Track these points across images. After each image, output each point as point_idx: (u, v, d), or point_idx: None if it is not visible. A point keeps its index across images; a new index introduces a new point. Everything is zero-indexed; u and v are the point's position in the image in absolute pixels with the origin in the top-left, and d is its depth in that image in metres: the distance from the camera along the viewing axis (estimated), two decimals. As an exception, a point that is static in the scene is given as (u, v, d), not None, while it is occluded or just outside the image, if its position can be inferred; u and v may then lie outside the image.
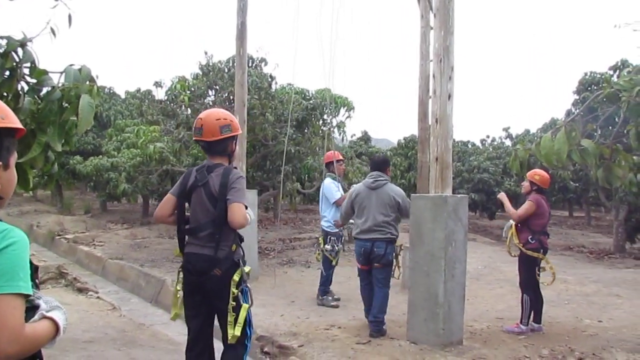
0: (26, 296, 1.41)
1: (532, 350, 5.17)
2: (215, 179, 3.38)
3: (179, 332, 6.19)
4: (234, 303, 3.30)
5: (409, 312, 5.39)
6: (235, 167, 3.60)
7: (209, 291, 3.37)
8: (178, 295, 3.57)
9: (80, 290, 7.63)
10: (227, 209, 3.26)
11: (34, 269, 1.53)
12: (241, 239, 3.49)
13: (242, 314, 3.29)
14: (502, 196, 6.40)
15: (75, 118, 3.53)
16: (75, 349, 4.97)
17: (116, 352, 5.03)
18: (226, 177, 3.34)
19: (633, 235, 13.56)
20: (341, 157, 7.69)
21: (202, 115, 3.54)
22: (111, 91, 23.67)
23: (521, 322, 5.92)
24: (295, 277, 9.19)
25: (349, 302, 7.34)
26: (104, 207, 17.95)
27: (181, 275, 3.50)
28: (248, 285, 3.43)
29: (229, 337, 3.29)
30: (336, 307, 7.12)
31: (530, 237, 5.92)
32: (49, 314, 1.50)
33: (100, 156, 15.05)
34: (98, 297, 7.39)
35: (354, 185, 6.43)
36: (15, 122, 1.56)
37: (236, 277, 3.31)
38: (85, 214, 16.71)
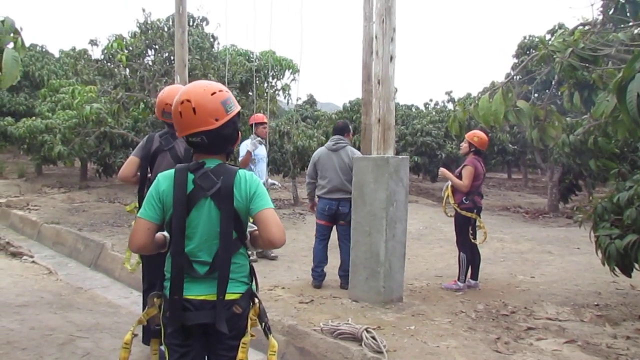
0: None
1: (468, 305, 5.36)
2: (180, 144, 3.81)
3: (119, 295, 6.11)
4: None
5: (351, 272, 5.47)
6: None
7: None
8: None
9: (14, 255, 7.35)
10: None
11: None
12: None
13: None
14: (444, 172, 6.44)
15: (-1, 72, 3.34)
16: (8, 313, 4.81)
17: (52, 316, 4.89)
18: None
19: (566, 195, 14.10)
20: (264, 121, 7.64)
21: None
22: (43, 49, 22.48)
23: (458, 279, 6.11)
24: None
25: (292, 264, 7.40)
26: (39, 170, 17.20)
27: None
28: None
29: None
30: (275, 258, 7.46)
31: (464, 197, 6.07)
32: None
33: (34, 117, 14.37)
34: (33, 262, 7.15)
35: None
36: (238, 107, 2.36)
37: None
38: (19, 178, 15.98)
